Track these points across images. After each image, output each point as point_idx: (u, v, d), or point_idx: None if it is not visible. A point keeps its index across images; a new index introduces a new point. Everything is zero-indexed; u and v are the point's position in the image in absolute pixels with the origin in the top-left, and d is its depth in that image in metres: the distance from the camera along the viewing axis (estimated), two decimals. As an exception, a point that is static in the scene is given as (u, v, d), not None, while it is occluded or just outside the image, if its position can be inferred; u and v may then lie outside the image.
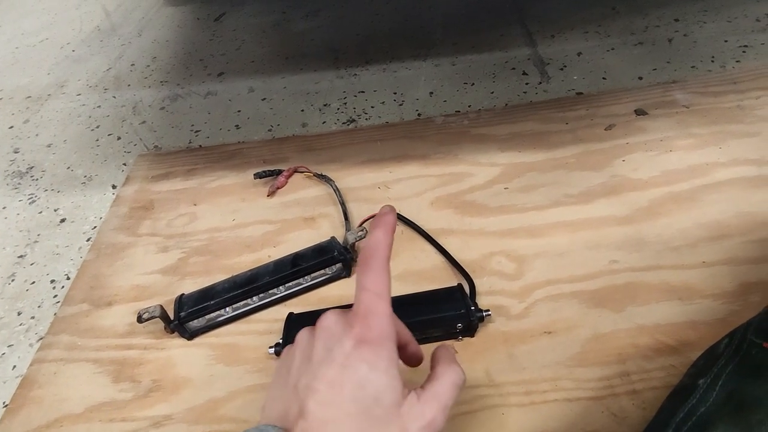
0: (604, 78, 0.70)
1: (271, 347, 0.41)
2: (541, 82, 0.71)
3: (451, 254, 0.47)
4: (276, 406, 0.25)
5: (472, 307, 0.41)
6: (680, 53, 0.72)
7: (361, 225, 0.52)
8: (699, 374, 0.29)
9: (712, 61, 0.69)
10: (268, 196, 0.59)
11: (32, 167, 0.73)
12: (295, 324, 0.43)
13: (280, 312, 0.47)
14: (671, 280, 0.43)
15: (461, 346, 0.41)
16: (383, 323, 0.24)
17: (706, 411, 0.25)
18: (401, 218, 0.52)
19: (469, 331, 0.41)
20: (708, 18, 0.78)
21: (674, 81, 0.65)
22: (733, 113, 0.58)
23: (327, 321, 0.26)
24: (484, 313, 0.41)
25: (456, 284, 0.43)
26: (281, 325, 0.45)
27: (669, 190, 0.51)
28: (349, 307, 0.25)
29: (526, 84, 0.71)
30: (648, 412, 0.34)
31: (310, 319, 0.42)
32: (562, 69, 0.73)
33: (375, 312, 0.24)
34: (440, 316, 0.40)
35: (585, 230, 0.49)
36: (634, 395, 0.36)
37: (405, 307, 0.41)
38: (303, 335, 0.27)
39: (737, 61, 0.68)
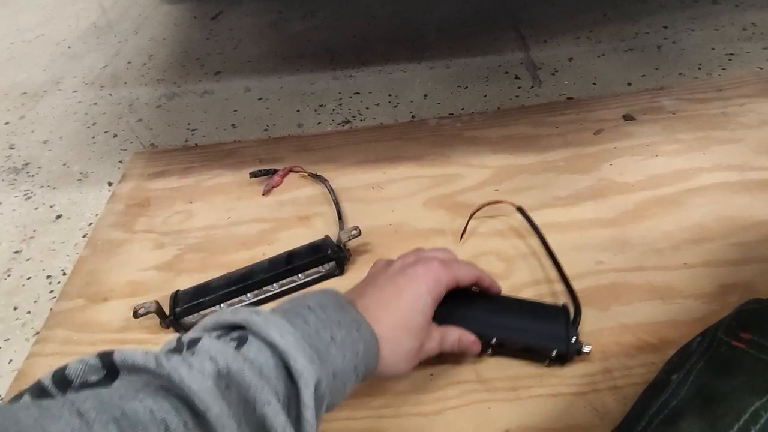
0: (594, 83, 0.71)
1: None
2: (533, 87, 0.73)
3: (564, 272, 0.44)
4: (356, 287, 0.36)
5: (574, 337, 0.37)
6: (668, 60, 0.73)
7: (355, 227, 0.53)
8: (673, 370, 0.30)
9: (699, 68, 0.71)
10: (263, 194, 0.60)
11: (28, 163, 0.73)
12: None
13: (274, 309, 0.48)
14: (654, 280, 0.45)
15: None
16: (449, 268, 0.36)
17: (677, 404, 0.26)
18: (525, 215, 0.49)
19: (561, 361, 0.38)
20: (696, 26, 0.80)
21: (662, 87, 0.67)
22: (717, 120, 0.60)
23: (413, 251, 0.39)
24: (583, 348, 0.38)
25: (561, 304, 0.40)
26: (275, 322, 0.46)
27: (654, 193, 0.53)
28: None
29: (519, 88, 0.73)
30: (628, 407, 0.35)
31: None
32: (553, 74, 0.75)
33: (447, 262, 0.37)
34: (535, 332, 0.38)
35: (572, 231, 0.50)
36: (615, 391, 0.37)
37: (503, 309, 0.40)
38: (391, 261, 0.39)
39: (723, 69, 0.70)
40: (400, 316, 0.32)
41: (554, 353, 0.37)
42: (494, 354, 0.40)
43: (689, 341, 0.33)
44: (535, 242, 0.49)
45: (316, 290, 0.31)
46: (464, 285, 0.37)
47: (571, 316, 0.40)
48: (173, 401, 0.20)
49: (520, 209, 0.50)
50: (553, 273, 0.46)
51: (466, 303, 0.40)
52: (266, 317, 0.26)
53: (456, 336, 0.37)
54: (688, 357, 0.30)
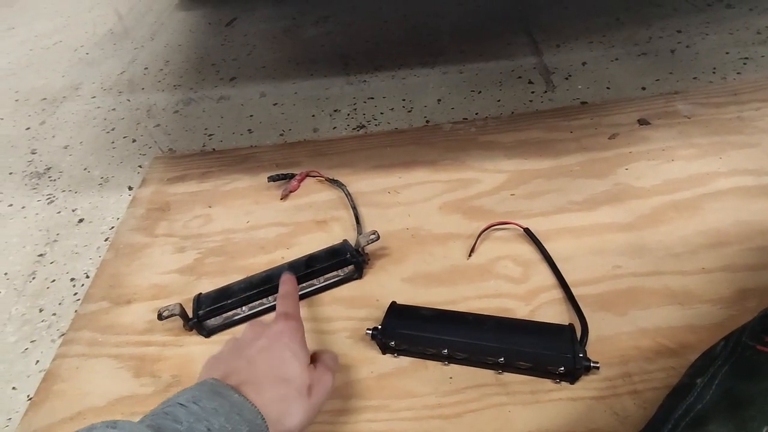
0: (608, 88, 0.72)
1: (368, 329, 0.43)
2: (546, 91, 0.73)
3: (569, 287, 0.45)
4: (217, 369, 0.34)
5: (581, 354, 0.38)
6: (683, 64, 0.73)
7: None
8: (697, 374, 0.30)
9: (714, 73, 0.71)
10: (281, 199, 0.61)
11: (50, 168, 0.75)
12: (396, 313, 0.44)
13: (295, 312, 0.48)
14: (672, 285, 0.45)
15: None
16: (296, 318, 0.38)
17: (703, 408, 0.27)
18: (532, 237, 0.50)
19: (570, 377, 0.39)
20: (710, 30, 0.80)
21: (676, 92, 0.67)
22: (733, 124, 0.60)
23: (254, 322, 0.39)
24: (591, 364, 0.38)
25: (567, 323, 0.41)
26: (295, 325, 0.47)
27: (670, 198, 0.53)
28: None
29: (532, 92, 0.73)
30: (649, 412, 0.36)
31: (410, 310, 0.44)
32: (567, 78, 0.75)
33: (291, 314, 0.38)
34: (542, 352, 0.38)
35: (589, 236, 0.50)
36: (635, 395, 0.38)
37: (508, 331, 0.41)
38: (232, 339, 0.38)
39: (738, 73, 0.70)
40: (277, 376, 0.32)
41: (561, 370, 0.38)
42: (504, 372, 0.40)
43: (713, 345, 0.33)
44: (552, 246, 0.49)
45: (193, 384, 0.31)
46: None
47: (578, 335, 0.41)
48: None
49: (527, 230, 0.51)
50: (570, 278, 0.46)
51: (474, 325, 0.42)
52: (123, 429, 0.25)
53: (331, 357, 0.38)
54: (712, 361, 0.30)
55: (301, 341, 0.36)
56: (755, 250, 0.47)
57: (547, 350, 0.39)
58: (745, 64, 0.71)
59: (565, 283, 0.46)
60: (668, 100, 0.65)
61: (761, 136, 0.58)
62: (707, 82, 0.69)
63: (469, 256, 0.50)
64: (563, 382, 0.39)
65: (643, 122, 0.63)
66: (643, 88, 0.70)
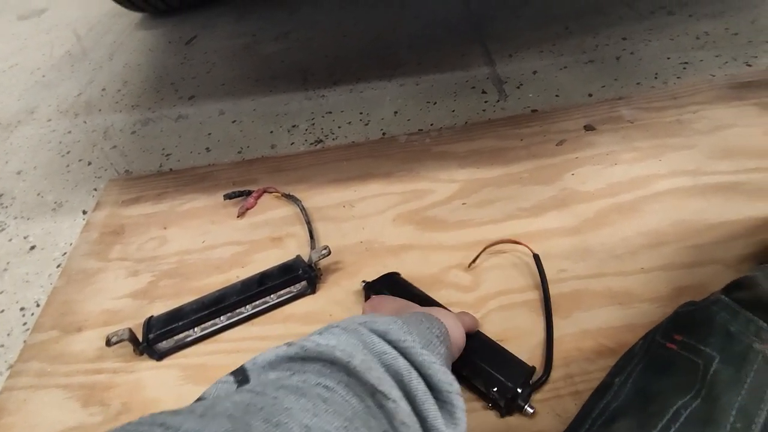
0: (557, 95, 0.74)
1: (363, 281, 0.48)
2: (499, 100, 0.75)
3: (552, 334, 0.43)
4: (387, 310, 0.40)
5: (519, 389, 0.38)
6: (627, 70, 0.76)
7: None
8: (617, 373, 0.31)
9: (656, 78, 0.74)
10: (237, 217, 0.61)
11: (2, 195, 0.73)
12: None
13: (248, 331, 0.48)
14: (613, 286, 0.46)
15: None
16: None
17: (617, 406, 0.28)
18: (538, 265, 0.48)
19: (499, 411, 0.39)
20: (653, 36, 0.83)
21: (620, 97, 0.70)
22: (672, 127, 0.63)
23: None
24: (524, 410, 0.38)
25: (531, 365, 0.40)
26: (249, 344, 0.47)
27: (613, 201, 0.55)
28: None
29: (485, 102, 0.75)
30: (588, 411, 0.37)
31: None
32: (518, 87, 0.77)
33: None
34: (490, 378, 0.39)
35: (536, 242, 0.51)
36: (576, 396, 0.39)
37: (477, 348, 0.41)
38: None
39: (678, 77, 0.73)
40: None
41: (491, 404, 0.39)
42: (461, 383, 0.41)
43: (634, 345, 0.34)
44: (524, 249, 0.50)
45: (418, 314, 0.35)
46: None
47: (535, 377, 0.40)
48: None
49: (536, 258, 0.48)
50: (518, 284, 0.47)
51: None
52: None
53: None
54: (630, 360, 0.32)
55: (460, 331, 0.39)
56: (691, 248, 0.49)
57: (493, 381, 0.39)
58: (684, 68, 0.75)
59: (551, 320, 0.44)
60: (612, 106, 0.68)
61: (698, 138, 0.61)
62: (649, 86, 0.72)
63: (469, 266, 0.50)
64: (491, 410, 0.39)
65: (588, 128, 0.65)
66: (590, 95, 0.73)
